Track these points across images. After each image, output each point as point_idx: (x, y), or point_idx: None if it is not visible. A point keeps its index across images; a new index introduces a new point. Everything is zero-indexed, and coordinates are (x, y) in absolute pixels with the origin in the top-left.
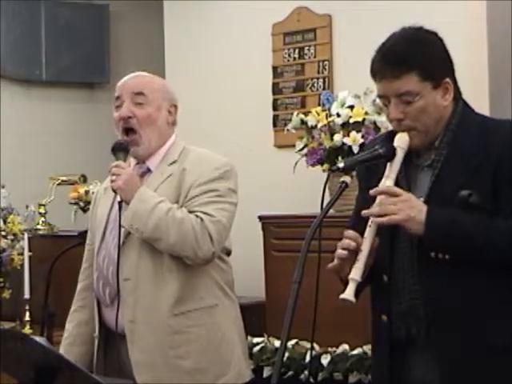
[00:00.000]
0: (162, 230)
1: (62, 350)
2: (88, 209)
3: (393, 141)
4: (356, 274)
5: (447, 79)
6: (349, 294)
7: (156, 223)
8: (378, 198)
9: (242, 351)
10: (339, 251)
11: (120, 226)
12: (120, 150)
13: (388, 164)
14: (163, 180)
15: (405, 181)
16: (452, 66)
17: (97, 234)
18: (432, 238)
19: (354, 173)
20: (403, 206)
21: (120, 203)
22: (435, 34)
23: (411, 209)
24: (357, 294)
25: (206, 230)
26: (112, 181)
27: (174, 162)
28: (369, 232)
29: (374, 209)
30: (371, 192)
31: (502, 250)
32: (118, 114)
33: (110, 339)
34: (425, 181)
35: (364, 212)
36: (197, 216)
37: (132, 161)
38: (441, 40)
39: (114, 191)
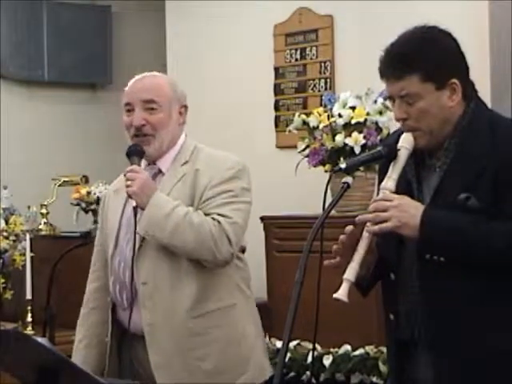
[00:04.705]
0: (179, 236)
1: (78, 354)
2: (90, 209)
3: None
4: (350, 274)
5: (454, 80)
6: (342, 293)
7: (173, 229)
8: (372, 205)
9: (262, 348)
10: (334, 246)
11: (135, 232)
12: (134, 153)
13: (391, 164)
14: (177, 181)
15: (415, 181)
16: (463, 66)
17: (109, 238)
18: (427, 243)
19: (357, 173)
20: (394, 212)
21: (135, 208)
22: (448, 34)
23: (403, 215)
24: (367, 290)
25: (224, 233)
26: (127, 186)
27: (185, 163)
28: (366, 233)
29: (368, 216)
30: (370, 203)
31: (500, 252)
32: (129, 120)
33: (123, 340)
34: (434, 181)
35: (358, 218)
36: (213, 219)
37: (143, 162)
38: (454, 40)
39: (130, 196)
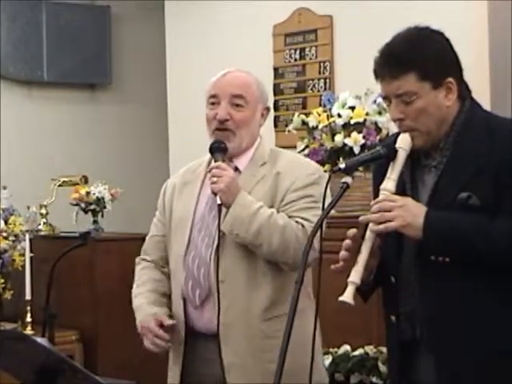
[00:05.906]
0: (263, 237)
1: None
2: (89, 210)
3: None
4: (355, 276)
5: (449, 79)
6: (347, 296)
7: (258, 229)
8: (376, 205)
9: (321, 353)
10: (341, 252)
11: (219, 229)
12: (218, 150)
13: (390, 165)
14: (256, 182)
15: (409, 181)
16: (457, 65)
17: (176, 232)
18: (430, 243)
19: (356, 173)
20: (399, 212)
21: (220, 206)
22: (441, 34)
23: (407, 215)
24: (368, 295)
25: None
26: (213, 182)
27: (264, 164)
28: (369, 235)
29: (372, 216)
30: (372, 204)
31: (503, 252)
32: (212, 113)
33: (189, 339)
34: (431, 181)
35: (361, 218)
36: (297, 222)
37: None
38: (446, 40)
39: (214, 193)
